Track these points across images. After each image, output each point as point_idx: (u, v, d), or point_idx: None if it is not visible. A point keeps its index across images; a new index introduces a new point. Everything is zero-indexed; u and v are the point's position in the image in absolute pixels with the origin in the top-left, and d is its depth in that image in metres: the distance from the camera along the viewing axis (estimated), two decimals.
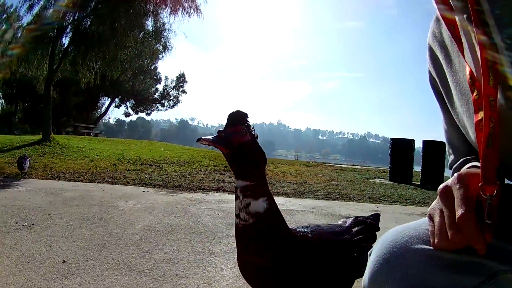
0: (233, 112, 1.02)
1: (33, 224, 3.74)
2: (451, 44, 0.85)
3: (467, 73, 0.73)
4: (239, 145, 0.98)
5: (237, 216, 0.99)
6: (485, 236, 0.65)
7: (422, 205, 6.16)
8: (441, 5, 0.77)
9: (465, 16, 0.72)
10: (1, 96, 32.43)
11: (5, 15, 25.81)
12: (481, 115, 0.68)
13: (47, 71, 13.44)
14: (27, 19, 14.16)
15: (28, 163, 6.97)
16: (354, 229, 1.30)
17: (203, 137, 0.95)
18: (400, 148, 10.27)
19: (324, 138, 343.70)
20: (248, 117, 1.02)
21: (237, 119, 1.00)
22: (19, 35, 14.53)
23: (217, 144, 0.97)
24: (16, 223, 3.78)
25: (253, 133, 1.02)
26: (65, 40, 14.45)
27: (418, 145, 10.64)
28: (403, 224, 0.86)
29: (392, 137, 11.07)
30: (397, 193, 7.28)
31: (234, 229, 1.03)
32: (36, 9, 13.15)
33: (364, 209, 5.44)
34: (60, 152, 10.98)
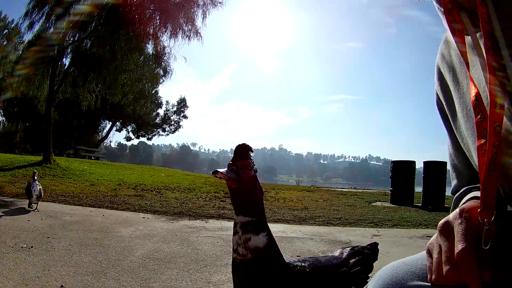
0: (240, 144, 1.00)
1: (32, 247, 3.73)
2: (460, 66, 0.84)
3: (473, 94, 0.71)
4: (246, 180, 0.97)
5: (235, 251, 0.98)
6: (483, 274, 0.62)
7: (423, 227, 6.13)
8: (452, 23, 0.75)
9: (478, 34, 0.72)
10: (1, 113, 32.41)
11: (6, 31, 25.88)
12: (484, 139, 0.67)
13: (48, 91, 13.54)
14: (28, 36, 14.23)
15: (38, 189, 5.84)
16: (352, 261, 1.29)
17: (220, 171, 0.94)
18: (401, 170, 10.25)
19: (325, 162, 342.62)
20: (252, 151, 1.02)
21: (245, 152, 1.00)
22: (20, 52, 14.63)
23: (231, 178, 0.96)
24: (15, 244, 3.78)
25: (254, 167, 1.01)
26: (66, 61, 14.62)
27: (419, 165, 10.61)
28: (399, 260, 0.84)
29: (393, 159, 11.03)
30: (398, 216, 7.23)
31: (231, 264, 1.02)
32: (37, 27, 13.31)
33: (364, 234, 5.40)
34: (60, 175, 11.01)
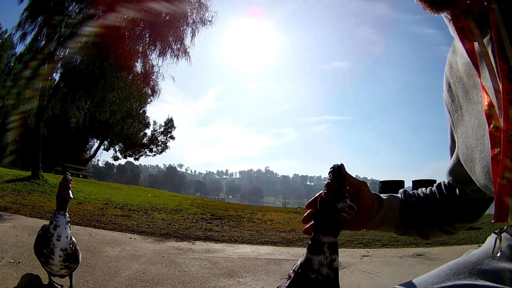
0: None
1: (19, 262, 3.67)
2: (468, 74, 0.82)
3: (486, 103, 0.69)
4: None
5: (316, 271, 0.93)
6: None
7: (413, 246, 6.10)
8: (460, 31, 0.75)
9: (484, 40, 0.72)
10: None
11: (0, 40, 25.63)
12: (498, 149, 0.65)
13: (37, 106, 13.36)
14: (20, 48, 14.13)
15: (67, 240, 3.01)
16: None
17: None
18: (390, 190, 10.08)
19: (312, 183, 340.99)
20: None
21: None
22: (12, 64, 14.46)
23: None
24: (3, 259, 3.73)
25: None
26: (56, 76, 14.50)
27: (408, 184, 10.58)
28: (399, 285, 0.87)
29: (381, 179, 11.02)
30: (388, 235, 7.17)
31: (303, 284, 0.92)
32: (29, 39, 13.19)
33: (354, 255, 5.38)
34: (48, 191, 10.81)
